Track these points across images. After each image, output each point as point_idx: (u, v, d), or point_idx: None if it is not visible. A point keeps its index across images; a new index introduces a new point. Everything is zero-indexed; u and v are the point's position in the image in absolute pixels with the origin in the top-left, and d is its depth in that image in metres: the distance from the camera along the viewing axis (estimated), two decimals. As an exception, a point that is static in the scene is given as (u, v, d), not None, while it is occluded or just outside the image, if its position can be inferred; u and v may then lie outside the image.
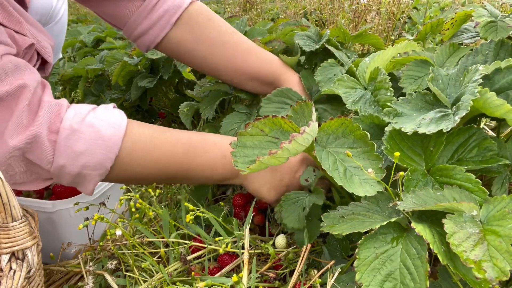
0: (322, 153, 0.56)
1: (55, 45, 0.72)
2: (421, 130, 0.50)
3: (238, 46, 0.84)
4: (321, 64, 0.81)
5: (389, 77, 0.66)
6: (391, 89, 0.65)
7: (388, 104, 0.60)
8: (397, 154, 0.49)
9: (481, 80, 0.49)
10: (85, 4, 0.82)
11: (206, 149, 0.68)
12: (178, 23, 0.80)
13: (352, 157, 0.52)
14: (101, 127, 0.58)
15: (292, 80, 0.84)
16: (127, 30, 0.82)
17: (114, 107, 0.64)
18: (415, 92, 0.59)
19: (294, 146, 0.50)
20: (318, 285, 0.59)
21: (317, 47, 0.84)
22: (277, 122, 0.58)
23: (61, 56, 1.19)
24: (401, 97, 0.59)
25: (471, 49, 0.62)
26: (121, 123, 0.61)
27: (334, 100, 0.78)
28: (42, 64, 0.69)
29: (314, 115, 0.56)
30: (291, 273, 0.65)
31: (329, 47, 0.83)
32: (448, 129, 0.48)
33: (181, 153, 0.66)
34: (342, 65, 0.82)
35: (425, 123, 0.51)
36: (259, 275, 0.65)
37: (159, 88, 1.32)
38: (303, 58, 0.92)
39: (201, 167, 0.68)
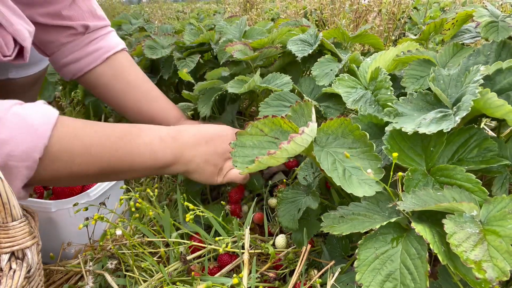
0: (321, 153, 0.56)
1: (34, 31, 0.71)
2: (421, 130, 0.50)
3: (146, 93, 0.93)
4: (318, 59, 0.81)
5: (389, 77, 0.66)
6: (392, 88, 0.65)
7: (389, 103, 0.60)
8: (395, 154, 0.49)
9: (482, 81, 0.49)
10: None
11: (142, 133, 0.66)
12: (107, 60, 0.89)
13: (350, 157, 0.51)
14: (28, 116, 0.54)
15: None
16: (58, 56, 0.88)
17: (44, 103, 0.59)
18: (416, 92, 0.59)
19: (293, 147, 0.50)
20: (318, 285, 0.59)
21: (310, 52, 0.85)
22: (276, 122, 0.58)
23: None
24: (402, 97, 0.59)
25: (474, 50, 0.62)
26: (52, 113, 0.57)
27: (335, 97, 0.78)
28: (21, 52, 0.67)
29: (314, 115, 0.56)
30: (291, 273, 0.65)
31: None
32: (449, 130, 0.48)
33: (115, 138, 0.62)
34: (339, 61, 0.82)
35: (425, 123, 0.51)
36: (259, 275, 0.65)
37: (160, 88, 1.31)
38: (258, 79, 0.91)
39: (138, 152, 0.64)
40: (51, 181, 0.60)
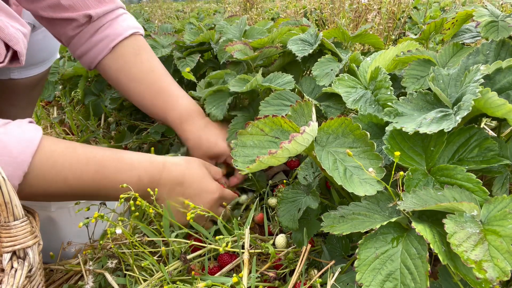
0: (322, 153, 0.56)
1: (29, 32, 0.69)
2: (422, 130, 0.50)
3: (149, 87, 0.87)
4: (318, 59, 0.81)
5: (389, 76, 0.66)
6: (391, 88, 0.65)
7: (389, 103, 0.60)
8: (397, 153, 0.49)
9: (482, 80, 0.49)
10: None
11: (120, 169, 0.66)
12: (112, 51, 0.84)
13: (352, 156, 0.52)
14: (9, 143, 0.54)
15: (189, 137, 0.86)
16: (71, 48, 0.87)
17: (30, 122, 0.60)
18: (416, 91, 0.59)
19: (294, 146, 0.50)
20: (318, 285, 0.59)
21: (311, 51, 0.84)
22: (277, 122, 0.59)
23: (58, 56, 1.19)
24: (402, 97, 0.59)
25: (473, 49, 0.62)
26: (33, 139, 0.57)
27: (336, 97, 0.78)
28: (16, 55, 0.66)
29: (314, 115, 0.56)
30: (291, 272, 0.65)
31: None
32: (450, 129, 0.48)
33: (92, 172, 0.63)
34: (339, 61, 0.82)
35: (426, 123, 0.51)
36: (259, 275, 0.65)
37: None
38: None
39: (112, 188, 0.65)
40: (28, 200, 0.62)
